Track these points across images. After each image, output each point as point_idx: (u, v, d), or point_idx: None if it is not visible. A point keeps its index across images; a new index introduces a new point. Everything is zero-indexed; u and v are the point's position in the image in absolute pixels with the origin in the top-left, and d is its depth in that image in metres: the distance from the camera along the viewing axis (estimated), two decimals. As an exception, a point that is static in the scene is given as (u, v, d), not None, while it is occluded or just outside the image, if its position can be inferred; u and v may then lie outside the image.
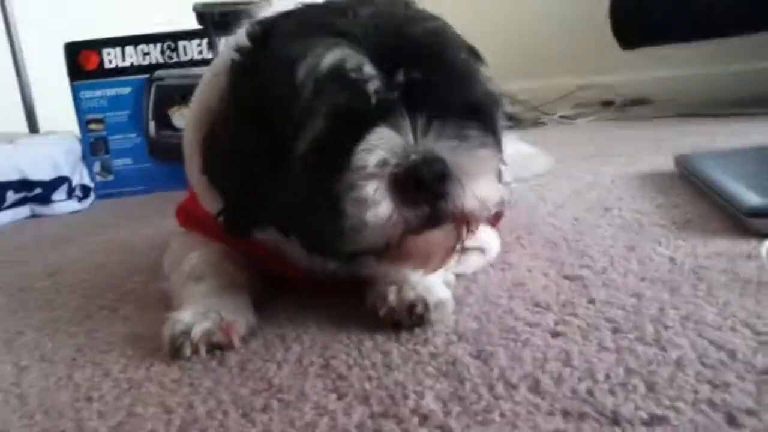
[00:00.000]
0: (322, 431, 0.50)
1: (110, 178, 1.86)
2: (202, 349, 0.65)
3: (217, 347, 0.66)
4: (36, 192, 1.66)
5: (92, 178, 1.84)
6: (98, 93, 1.82)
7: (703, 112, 2.24)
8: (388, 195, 0.57)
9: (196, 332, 0.65)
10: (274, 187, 0.64)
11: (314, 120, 0.57)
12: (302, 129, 0.58)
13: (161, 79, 1.82)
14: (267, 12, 0.74)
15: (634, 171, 1.38)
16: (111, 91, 1.82)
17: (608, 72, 3.31)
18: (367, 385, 0.56)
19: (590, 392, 0.51)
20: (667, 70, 3.34)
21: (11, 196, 1.62)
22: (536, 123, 2.55)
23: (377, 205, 0.56)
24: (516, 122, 2.60)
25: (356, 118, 0.58)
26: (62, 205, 1.69)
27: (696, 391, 0.49)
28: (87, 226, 1.48)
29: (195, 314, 0.68)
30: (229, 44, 0.77)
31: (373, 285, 0.71)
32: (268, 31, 0.68)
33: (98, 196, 1.83)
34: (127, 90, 1.82)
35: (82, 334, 0.77)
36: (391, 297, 0.67)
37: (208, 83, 0.77)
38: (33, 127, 2.12)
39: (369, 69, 0.58)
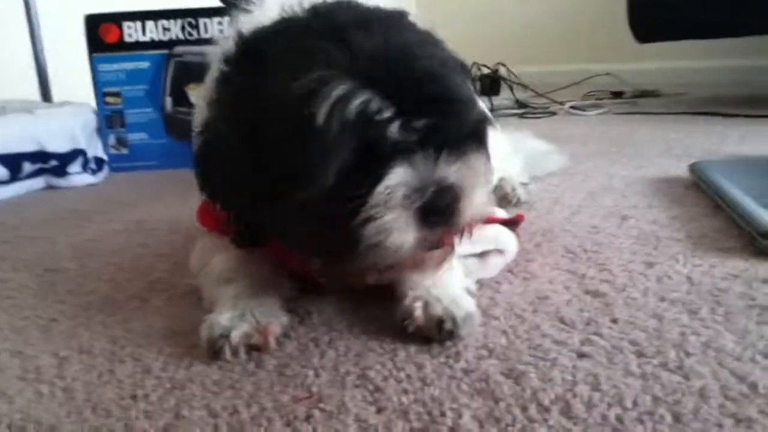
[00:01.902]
0: (366, 446, 0.53)
1: (125, 151, 1.87)
2: (242, 352, 0.68)
3: (254, 348, 0.69)
4: (52, 164, 1.67)
5: (107, 151, 1.85)
6: (116, 66, 1.82)
7: (714, 110, 2.25)
8: (411, 224, 0.62)
9: (235, 336, 0.68)
10: (277, 213, 0.66)
11: (339, 156, 0.60)
12: (325, 164, 0.60)
13: (180, 55, 1.82)
14: (257, 16, 0.75)
15: (647, 175, 1.41)
16: (129, 65, 1.82)
17: (619, 61, 3.32)
18: (405, 399, 0.59)
19: (620, 419, 0.54)
20: (679, 62, 3.35)
21: (28, 167, 1.63)
22: (546, 112, 2.55)
23: (402, 233, 0.61)
24: (526, 110, 2.61)
25: (377, 157, 0.61)
26: (77, 177, 1.70)
27: (720, 425, 0.52)
28: (104, 202, 1.49)
29: (232, 317, 0.70)
30: (217, 50, 0.77)
31: (399, 299, 0.73)
32: (262, 51, 0.67)
33: (112, 170, 1.84)
34: (145, 64, 1.82)
35: (116, 326, 0.79)
36: (418, 314, 0.70)
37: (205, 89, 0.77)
38: (46, 95, 2.12)
39: (389, 113, 0.60)
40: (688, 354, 0.63)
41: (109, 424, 0.58)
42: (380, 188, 0.61)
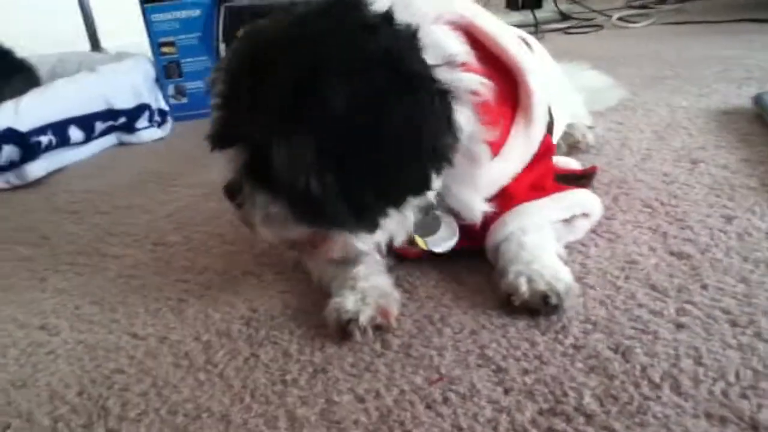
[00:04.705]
0: (505, 428, 0.61)
1: (184, 100, 1.92)
2: (370, 334, 0.76)
3: (378, 328, 0.77)
4: (121, 121, 1.73)
5: (167, 102, 1.90)
6: (169, 15, 1.85)
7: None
8: None
9: (363, 320, 0.76)
10: None
11: None
12: None
13: (230, 0, 1.83)
14: None
15: (710, 106, 1.42)
16: (181, 14, 1.85)
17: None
18: (527, 379, 0.66)
19: (725, 394, 0.61)
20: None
21: (99, 126, 1.70)
22: (592, 25, 2.51)
23: None
24: (570, 24, 2.57)
25: None
26: (146, 132, 1.77)
27: (818, 398, 0.59)
28: (180, 161, 1.56)
29: (356, 301, 0.78)
30: None
31: (501, 274, 0.80)
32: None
33: (174, 119, 1.90)
34: (197, 12, 1.85)
35: (241, 305, 0.88)
36: (524, 289, 0.76)
37: None
38: (95, 45, 2.16)
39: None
40: (779, 323, 0.70)
41: (272, 411, 0.67)
42: None
